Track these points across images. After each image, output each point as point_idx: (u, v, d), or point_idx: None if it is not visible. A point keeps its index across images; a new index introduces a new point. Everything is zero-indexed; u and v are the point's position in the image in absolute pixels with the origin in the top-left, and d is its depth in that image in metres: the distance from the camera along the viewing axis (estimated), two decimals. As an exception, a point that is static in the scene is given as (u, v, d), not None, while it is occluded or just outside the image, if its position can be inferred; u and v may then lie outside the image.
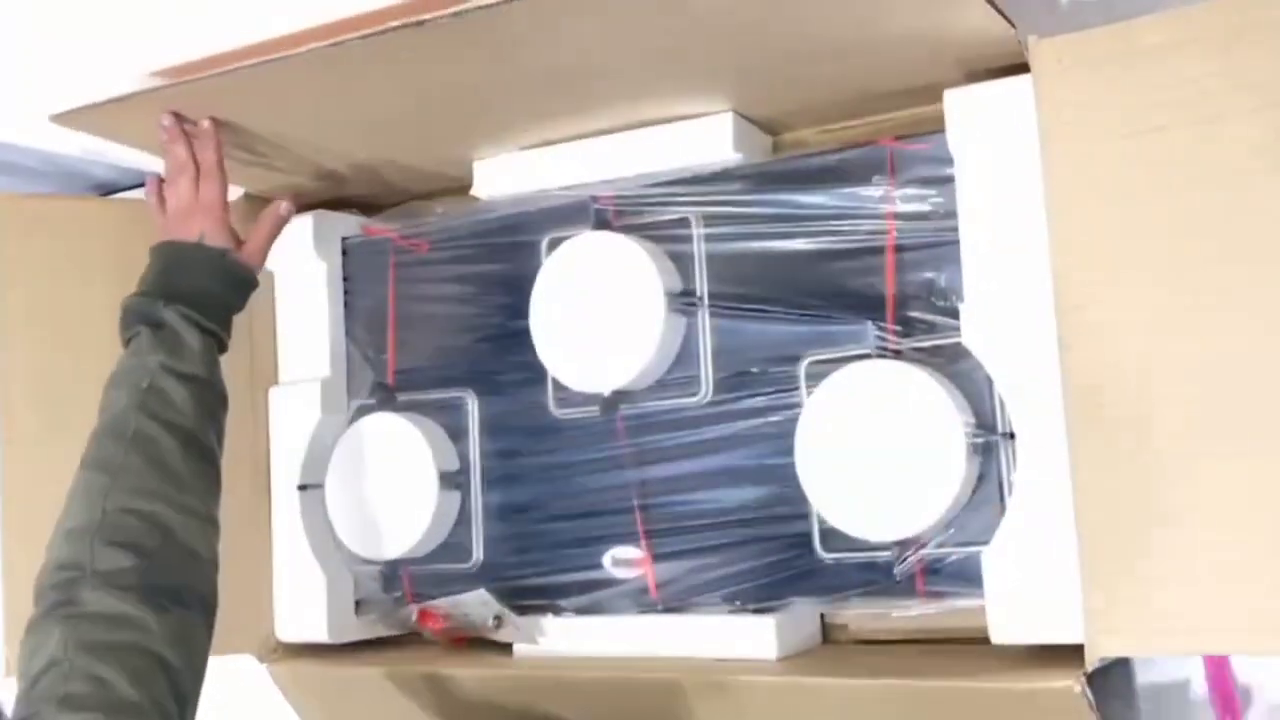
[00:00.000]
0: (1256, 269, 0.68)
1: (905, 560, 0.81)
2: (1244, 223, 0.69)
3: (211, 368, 0.82)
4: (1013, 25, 0.75)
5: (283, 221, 0.92)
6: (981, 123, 0.79)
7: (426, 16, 0.74)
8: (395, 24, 0.75)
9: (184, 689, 0.70)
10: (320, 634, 1.01)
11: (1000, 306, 0.77)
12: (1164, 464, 0.69)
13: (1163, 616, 0.69)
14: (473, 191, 1.00)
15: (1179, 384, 0.70)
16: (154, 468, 0.76)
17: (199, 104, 0.88)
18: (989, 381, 0.79)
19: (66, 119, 0.89)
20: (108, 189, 1.24)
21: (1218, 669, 0.81)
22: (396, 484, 0.98)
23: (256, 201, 1.07)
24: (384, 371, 1.04)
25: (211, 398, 0.82)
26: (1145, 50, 0.71)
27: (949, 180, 0.81)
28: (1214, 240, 0.69)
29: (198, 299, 0.83)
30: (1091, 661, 0.71)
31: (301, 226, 1.04)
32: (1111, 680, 0.77)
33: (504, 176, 0.98)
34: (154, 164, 1.19)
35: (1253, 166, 0.69)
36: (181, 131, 0.88)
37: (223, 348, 0.85)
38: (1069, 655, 0.72)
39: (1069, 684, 0.71)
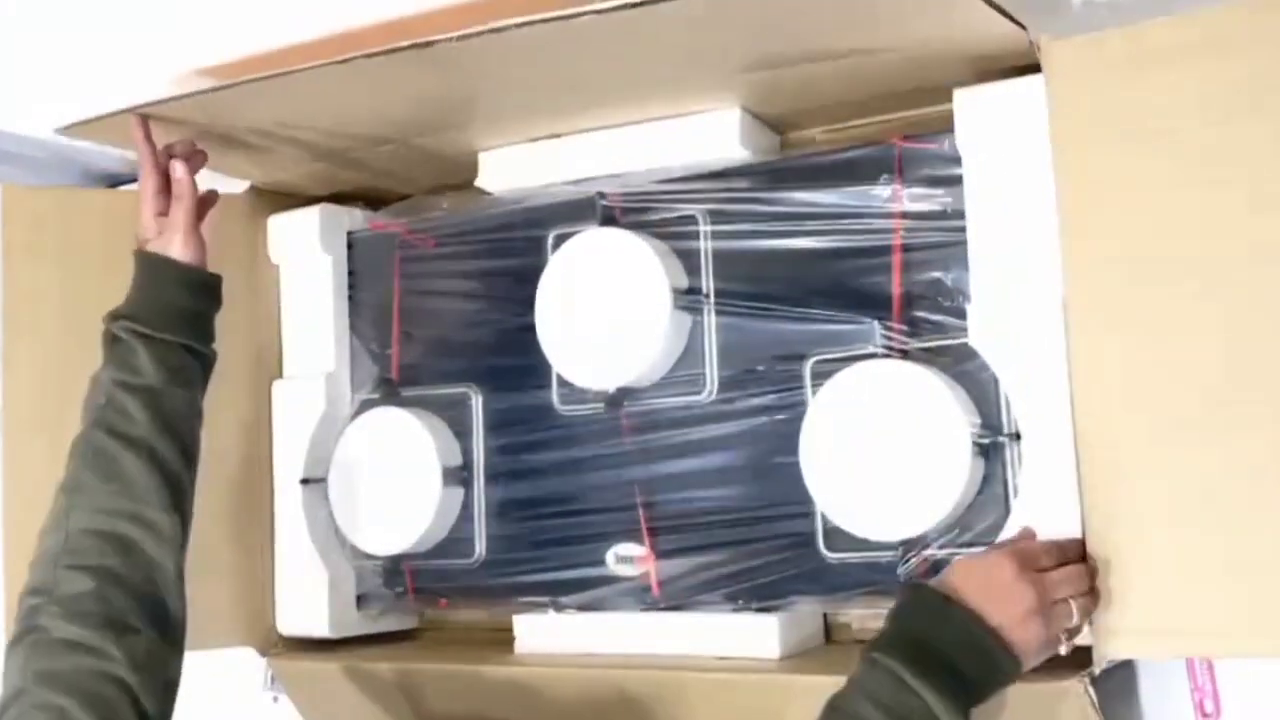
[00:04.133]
0: (1268, 270, 0.68)
1: (909, 560, 0.80)
2: (1255, 224, 0.69)
3: (169, 377, 0.81)
4: (1023, 27, 0.75)
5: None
6: (991, 122, 0.79)
7: (436, 39, 0.75)
8: (404, 44, 0.76)
9: (148, 710, 0.71)
10: (321, 628, 1.01)
11: (1007, 307, 0.77)
12: (1174, 465, 0.69)
13: (1171, 619, 0.69)
14: (477, 183, 0.99)
15: (1190, 386, 0.69)
16: (112, 483, 0.77)
17: (207, 108, 0.88)
18: (995, 382, 0.79)
19: (74, 131, 0.90)
20: (113, 180, 1.24)
21: (1201, 670, 0.81)
22: (400, 479, 0.98)
23: (263, 195, 1.07)
24: (388, 366, 1.03)
25: (171, 406, 0.81)
26: (1157, 52, 0.71)
27: (957, 180, 0.80)
28: (1225, 241, 0.69)
29: (150, 313, 0.82)
30: (1099, 662, 0.71)
31: (307, 220, 1.04)
32: (1114, 681, 0.77)
33: (509, 168, 0.98)
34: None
35: (1264, 169, 0.69)
36: (152, 149, 0.88)
37: (195, 353, 0.84)
38: (1071, 655, 0.72)
39: (1073, 684, 0.70)
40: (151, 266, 0.85)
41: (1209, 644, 0.71)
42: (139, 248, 0.86)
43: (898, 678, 0.62)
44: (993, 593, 0.65)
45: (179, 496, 0.79)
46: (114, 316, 0.82)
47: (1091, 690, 0.71)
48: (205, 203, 0.90)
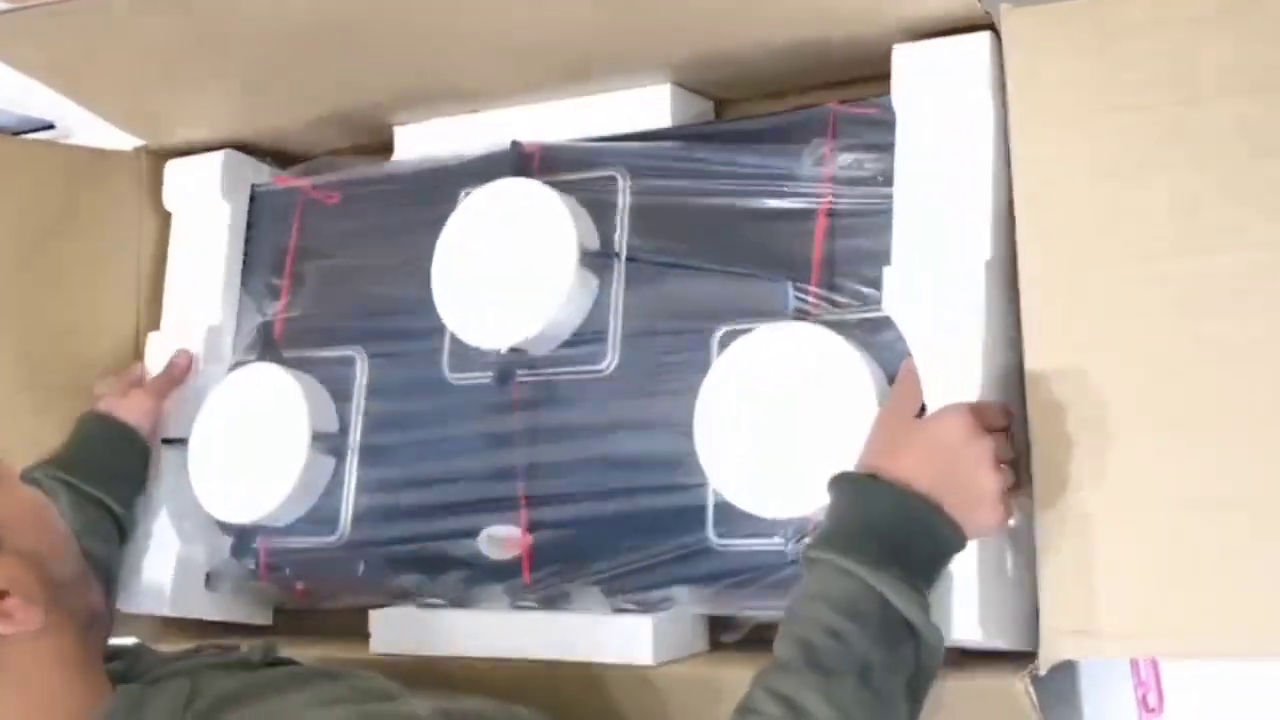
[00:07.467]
0: (1239, 257, 0.63)
1: (801, 541, 0.71)
2: (1226, 208, 0.64)
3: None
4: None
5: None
6: (929, 80, 0.73)
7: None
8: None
9: None
10: (162, 606, 0.91)
11: (927, 274, 0.70)
12: (1126, 464, 0.64)
13: (1117, 620, 0.63)
14: (393, 159, 0.94)
15: (1147, 380, 0.64)
16: None
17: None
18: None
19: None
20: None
21: (1144, 664, 0.75)
22: (265, 442, 0.88)
23: (156, 156, 1.00)
24: (273, 324, 0.95)
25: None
26: (1127, 25, 0.67)
27: (892, 146, 0.74)
28: (1193, 227, 0.64)
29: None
30: (1046, 663, 0.64)
31: (209, 166, 0.97)
32: (1054, 680, 0.68)
33: (425, 143, 0.93)
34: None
35: (1236, 150, 0.64)
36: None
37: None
38: (1014, 653, 0.67)
39: (1011, 682, 0.64)
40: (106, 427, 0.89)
41: (1155, 645, 0.66)
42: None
43: (835, 567, 0.60)
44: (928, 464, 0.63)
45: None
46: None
47: (1032, 690, 0.64)
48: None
